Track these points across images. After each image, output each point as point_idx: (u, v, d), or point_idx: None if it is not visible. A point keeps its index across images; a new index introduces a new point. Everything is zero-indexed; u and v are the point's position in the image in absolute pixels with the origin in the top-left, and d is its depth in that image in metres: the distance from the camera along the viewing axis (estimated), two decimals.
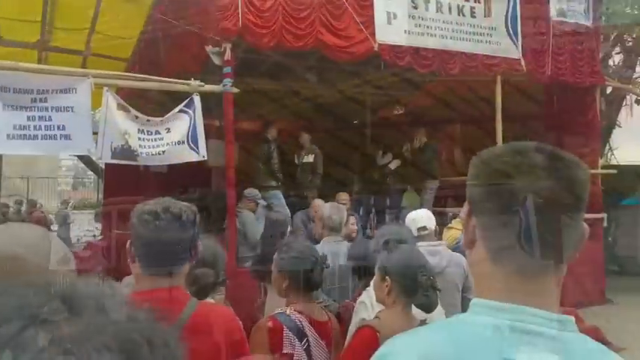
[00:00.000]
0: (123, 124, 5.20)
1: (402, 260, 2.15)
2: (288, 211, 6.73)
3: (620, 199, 12.26)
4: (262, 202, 6.53)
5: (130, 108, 5.36)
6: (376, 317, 2.22)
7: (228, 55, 5.91)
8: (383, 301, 2.24)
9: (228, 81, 5.89)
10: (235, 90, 5.99)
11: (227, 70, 5.94)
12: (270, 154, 7.42)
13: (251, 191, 6.30)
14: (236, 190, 6.02)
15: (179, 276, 1.66)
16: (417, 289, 2.05)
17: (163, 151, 5.39)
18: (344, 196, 6.32)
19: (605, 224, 8.62)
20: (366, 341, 2.00)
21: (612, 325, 6.75)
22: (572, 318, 0.87)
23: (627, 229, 11.99)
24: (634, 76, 11.66)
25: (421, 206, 6.32)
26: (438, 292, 2.10)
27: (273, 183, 7.37)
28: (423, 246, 3.50)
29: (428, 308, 2.04)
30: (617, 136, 13.57)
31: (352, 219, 4.71)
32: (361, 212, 8.90)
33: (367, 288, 2.69)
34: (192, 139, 5.46)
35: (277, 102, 10.37)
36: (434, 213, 4.07)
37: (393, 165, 8.79)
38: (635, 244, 12.03)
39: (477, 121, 9.05)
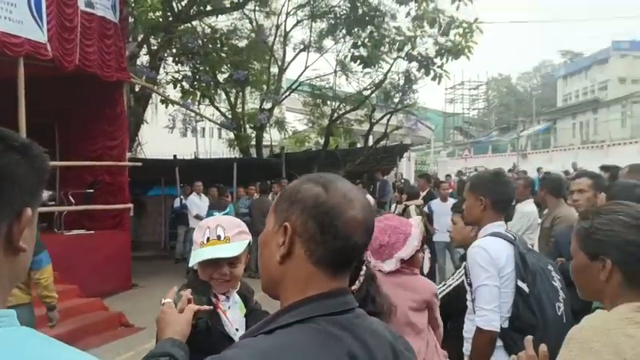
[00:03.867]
0: None
1: None
2: None
3: (146, 190, 13.37)
4: None
5: None
6: None
7: None
8: None
9: None
10: None
11: None
12: None
13: None
14: None
15: None
16: None
17: None
18: None
19: (132, 214, 9.11)
20: None
21: (137, 307, 7.24)
22: (12, 312, 0.80)
23: (153, 218, 13.20)
24: (158, 78, 12.84)
25: None
26: None
27: None
28: None
29: None
30: (145, 132, 14.71)
31: None
32: None
33: None
34: None
35: None
36: None
37: None
38: (159, 230, 13.37)
39: None
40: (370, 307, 1.61)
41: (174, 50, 12.55)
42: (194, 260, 1.84)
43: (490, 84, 65.94)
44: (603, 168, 6.57)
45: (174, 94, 13.12)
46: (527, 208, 5.49)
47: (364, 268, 1.75)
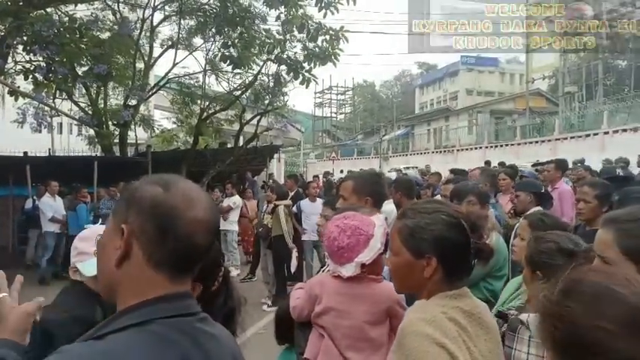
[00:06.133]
0: None
1: None
2: None
3: None
4: None
5: None
6: None
7: None
8: None
9: None
10: None
11: None
12: None
13: None
14: None
15: None
16: None
17: None
18: None
19: None
20: None
21: None
22: None
23: (2, 220, 11.94)
24: (6, 67, 11.64)
25: None
26: None
27: None
28: None
29: None
30: None
31: None
32: None
33: None
34: None
35: None
36: None
37: None
38: (7, 234, 12.12)
39: None
40: (230, 303, 1.67)
41: (25, 38, 11.45)
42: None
43: (356, 90, 69.14)
44: (453, 171, 7.31)
45: (25, 85, 11.98)
46: (387, 208, 5.92)
47: (222, 268, 1.72)
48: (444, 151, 36.16)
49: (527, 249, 2.23)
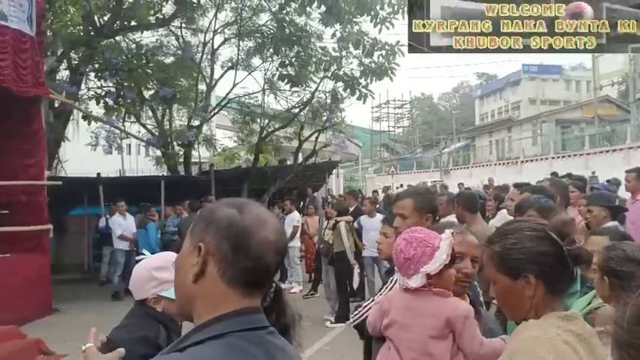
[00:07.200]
0: None
1: None
2: None
3: (68, 210, 12.76)
4: None
5: None
6: None
7: None
8: None
9: None
10: None
11: None
12: None
13: None
14: None
15: None
16: None
17: None
18: None
19: (51, 235, 8.69)
20: None
21: (58, 334, 6.87)
22: None
23: (75, 239, 12.59)
24: (80, 94, 12.37)
25: None
26: None
27: None
28: None
29: None
30: (66, 150, 14.08)
31: None
32: None
33: None
34: None
35: None
36: None
37: None
38: (82, 251, 12.76)
39: None
40: (283, 320, 1.68)
41: (96, 65, 12.16)
42: None
43: (414, 103, 68.49)
44: (516, 186, 7.00)
45: (97, 110, 12.69)
46: None
47: (273, 285, 1.76)
48: (508, 163, 35.05)
49: (600, 255, 2.26)
